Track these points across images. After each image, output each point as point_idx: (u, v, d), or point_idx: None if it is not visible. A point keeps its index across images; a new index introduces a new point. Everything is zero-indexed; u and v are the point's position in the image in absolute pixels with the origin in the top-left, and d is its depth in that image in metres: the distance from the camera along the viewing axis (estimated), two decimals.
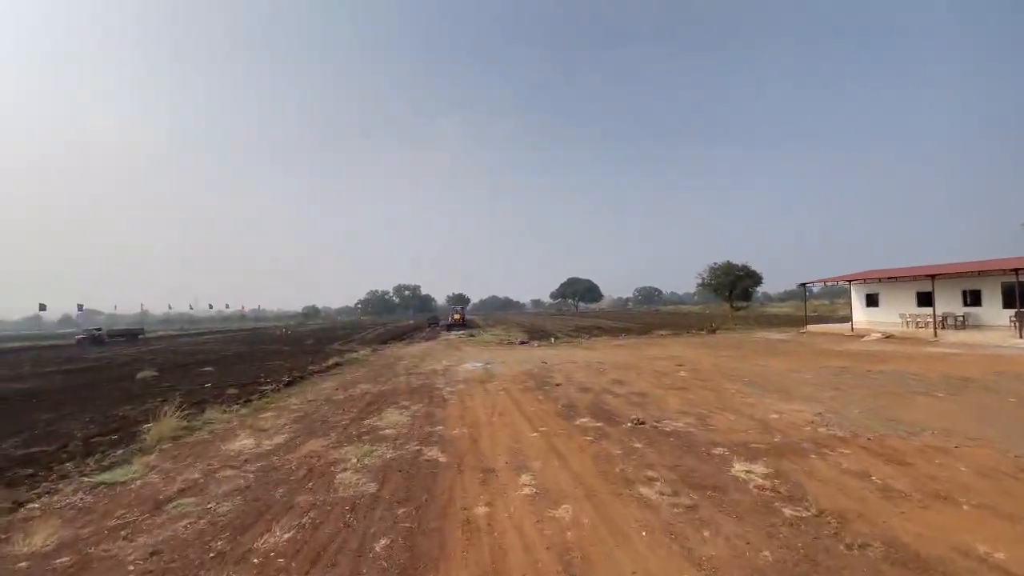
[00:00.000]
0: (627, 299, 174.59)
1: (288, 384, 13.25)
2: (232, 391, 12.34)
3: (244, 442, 7.31)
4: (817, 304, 67.94)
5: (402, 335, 38.08)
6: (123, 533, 4.32)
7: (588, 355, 17.86)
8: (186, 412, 9.63)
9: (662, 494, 4.80)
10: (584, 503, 4.68)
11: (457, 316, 44.69)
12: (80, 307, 68.30)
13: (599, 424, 7.65)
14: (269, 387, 12.66)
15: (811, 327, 26.18)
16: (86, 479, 5.83)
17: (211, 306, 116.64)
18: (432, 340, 30.07)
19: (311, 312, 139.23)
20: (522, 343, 24.50)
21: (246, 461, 6.38)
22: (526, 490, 5.04)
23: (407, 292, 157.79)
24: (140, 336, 44.05)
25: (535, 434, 7.22)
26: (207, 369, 18.02)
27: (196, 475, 5.88)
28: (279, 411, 9.68)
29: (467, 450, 6.54)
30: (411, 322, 76.78)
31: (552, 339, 25.83)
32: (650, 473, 5.38)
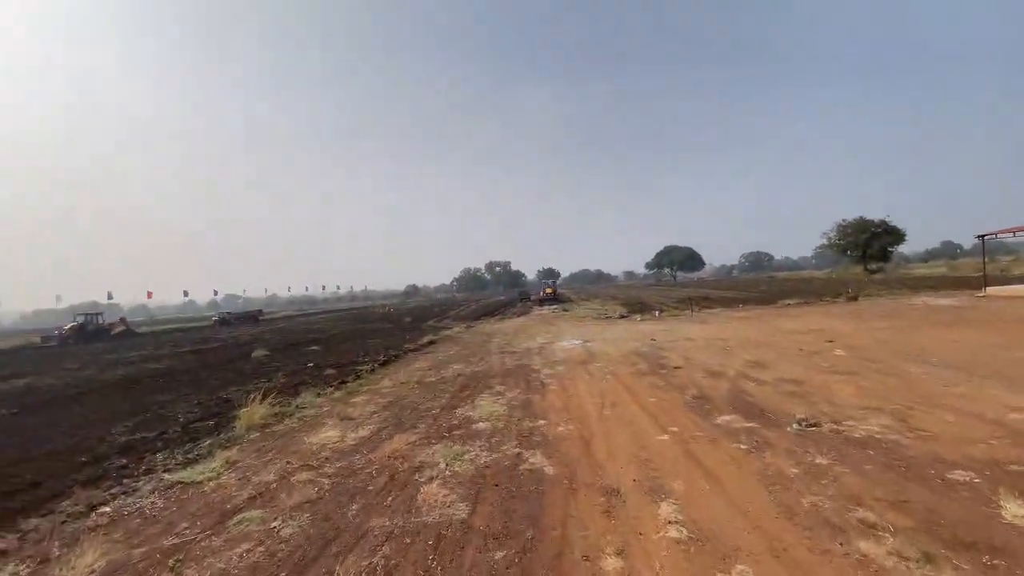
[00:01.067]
0: (732, 267, 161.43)
1: (383, 363, 12.88)
2: (330, 371, 12.19)
3: (329, 434, 6.62)
4: (973, 263, 56.28)
5: (494, 311, 37.77)
6: (172, 562, 3.57)
7: (705, 330, 15.57)
8: (282, 396, 9.42)
9: (904, 559, 3.03)
10: (772, 565, 3.07)
11: (549, 290, 43.43)
12: (215, 292, 77.87)
13: (750, 424, 5.84)
14: (365, 367, 12.34)
15: (992, 289, 20.97)
16: (167, 476, 5.39)
17: (324, 287, 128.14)
18: (524, 315, 29.15)
19: (411, 291, 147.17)
20: (622, 317, 22.56)
21: (326, 460, 5.60)
22: (672, 531, 3.54)
23: (498, 268, 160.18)
24: (260, 317, 48.55)
25: (664, 437, 5.64)
26: (313, 348, 18.61)
27: (271, 477, 5.17)
28: (370, 395, 9.07)
29: (578, 457, 5.16)
30: (502, 298, 77.25)
31: (656, 312, 23.53)
32: (864, 514, 3.58)
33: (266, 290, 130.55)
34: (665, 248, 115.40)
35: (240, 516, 4.24)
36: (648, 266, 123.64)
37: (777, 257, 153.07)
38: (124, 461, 6.13)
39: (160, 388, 11.67)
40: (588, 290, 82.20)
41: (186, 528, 4.12)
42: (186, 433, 7.32)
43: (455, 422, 6.78)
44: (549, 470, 4.85)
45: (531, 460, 5.13)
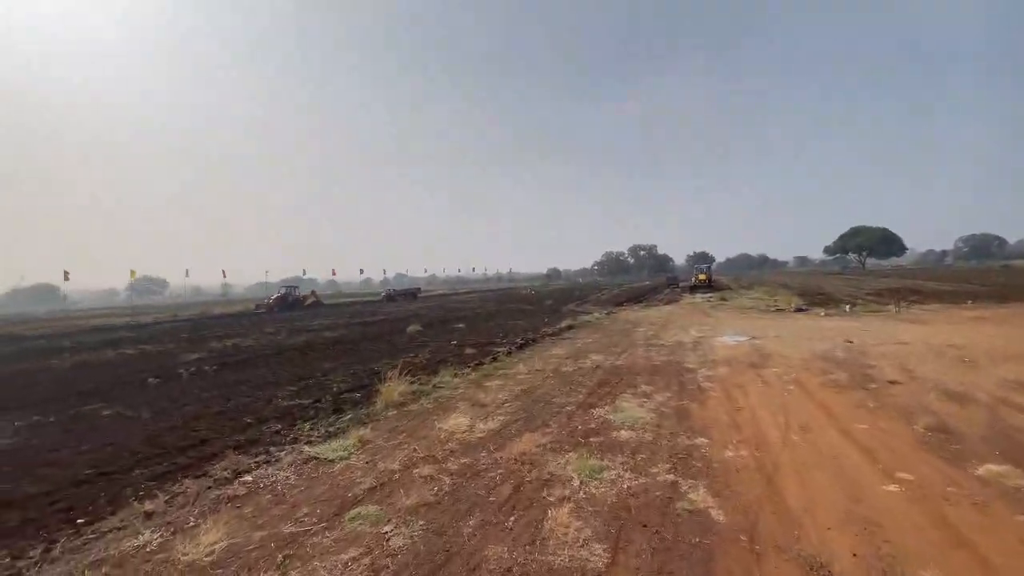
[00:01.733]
0: (943, 252, 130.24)
1: (520, 347, 12.49)
2: (470, 351, 12.20)
3: (459, 421, 6.22)
4: None
5: (638, 297, 35.57)
6: (281, 557, 3.32)
7: (923, 333, 12.05)
8: (422, 373, 9.51)
9: None
10: None
11: (702, 276, 39.44)
12: (383, 272, 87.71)
13: None
14: (502, 349, 12.07)
15: None
16: (307, 449, 5.47)
17: (473, 269, 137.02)
18: (673, 303, 26.67)
19: (553, 274, 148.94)
20: (799, 311, 19.00)
21: (451, 453, 5.14)
22: None
23: (642, 252, 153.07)
24: (418, 295, 53.29)
25: (892, 487, 3.95)
26: (459, 326, 19.29)
27: (395, 466, 4.87)
28: (504, 380, 8.62)
29: (759, 500, 3.83)
30: (647, 283, 73.23)
31: (846, 307, 19.35)
32: None
33: (425, 270, 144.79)
34: (851, 230, 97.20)
35: (356, 511, 3.91)
36: (828, 251, 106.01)
37: (1011, 241, 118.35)
38: (279, 427, 6.51)
39: (327, 356, 12.91)
40: (749, 277, 73.36)
41: (306, 515, 3.92)
42: (336, 403, 7.66)
43: (592, 425, 5.84)
44: (718, 515, 3.63)
45: (691, 495, 3.95)
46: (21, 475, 5.10)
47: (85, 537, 3.72)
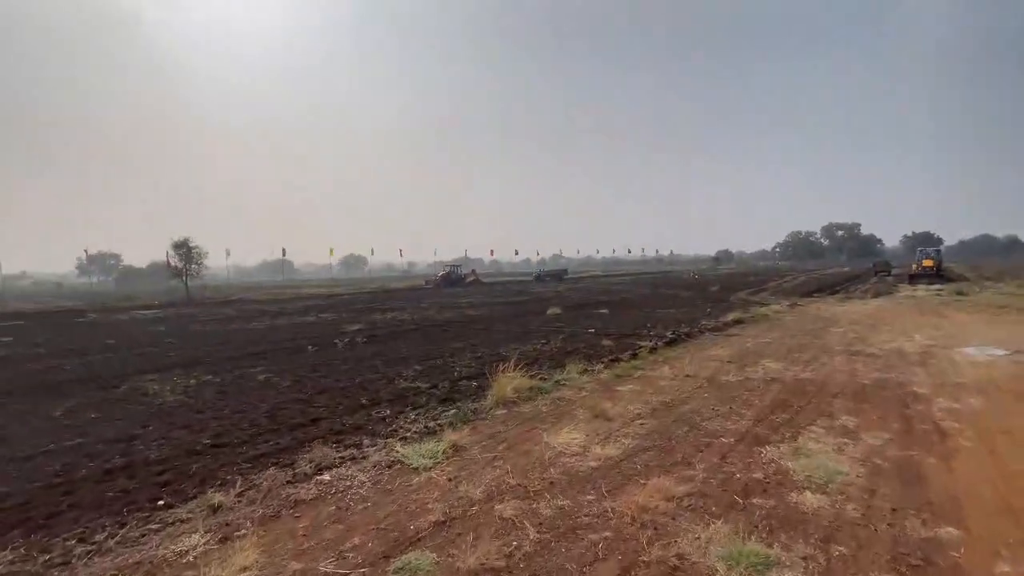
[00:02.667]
0: None
1: (669, 343, 10.59)
2: (607, 342, 10.77)
3: (572, 436, 5.02)
4: None
5: (833, 286, 29.25)
6: None
7: None
8: (549, 363, 8.50)
9: None
10: None
11: (928, 262, 30.69)
12: (537, 253, 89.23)
13: None
14: (646, 344, 10.35)
15: None
16: (398, 448, 4.85)
17: (629, 251, 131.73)
18: (884, 297, 20.98)
19: (724, 256, 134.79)
20: None
21: (549, 486, 3.96)
22: None
23: (840, 232, 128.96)
24: (565, 276, 53.35)
25: None
26: (602, 311, 17.85)
27: (478, 493, 3.89)
28: (641, 385, 7.09)
29: None
30: (845, 269, 60.94)
31: None
32: None
33: (578, 251, 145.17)
34: None
35: (408, 557, 3.01)
36: None
37: None
38: (387, 412, 6.13)
39: (461, 334, 12.77)
40: (991, 266, 55.62)
41: (354, 548, 3.17)
42: (451, 390, 7.12)
43: (758, 475, 4.06)
44: None
45: None
46: (156, 437, 5.49)
47: (151, 525, 3.53)
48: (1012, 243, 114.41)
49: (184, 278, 35.80)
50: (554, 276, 51.77)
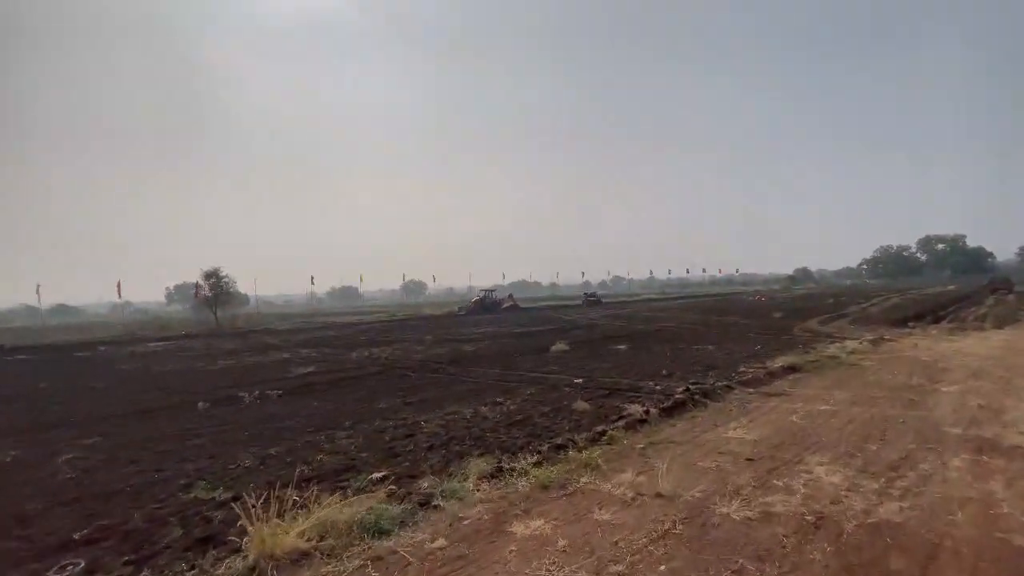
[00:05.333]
0: None
1: (670, 409, 7.10)
2: (583, 405, 7.46)
3: None
4: None
5: (936, 310, 23.47)
6: None
7: None
8: (448, 460, 5.51)
9: None
10: None
11: None
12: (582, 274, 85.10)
13: None
14: (636, 409, 6.94)
15: None
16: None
17: (704, 270, 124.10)
18: (1011, 326, 15.69)
19: (801, 275, 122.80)
20: None
21: None
22: None
23: (940, 246, 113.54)
24: (601, 301, 50.42)
25: None
26: (620, 347, 14.35)
27: None
28: (563, 524, 3.88)
29: None
30: (950, 288, 51.84)
31: None
32: None
33: (651, 272, 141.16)
34: None
35: None
36: None
37: None
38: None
39: (417, 385, 9.94)
40: None
41: None
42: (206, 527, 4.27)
43: None
44: None
45: None
46: None
47: None
48: None
49: (214, 308, 36.13)
50: (595, 301, 48.43)
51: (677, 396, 7.65)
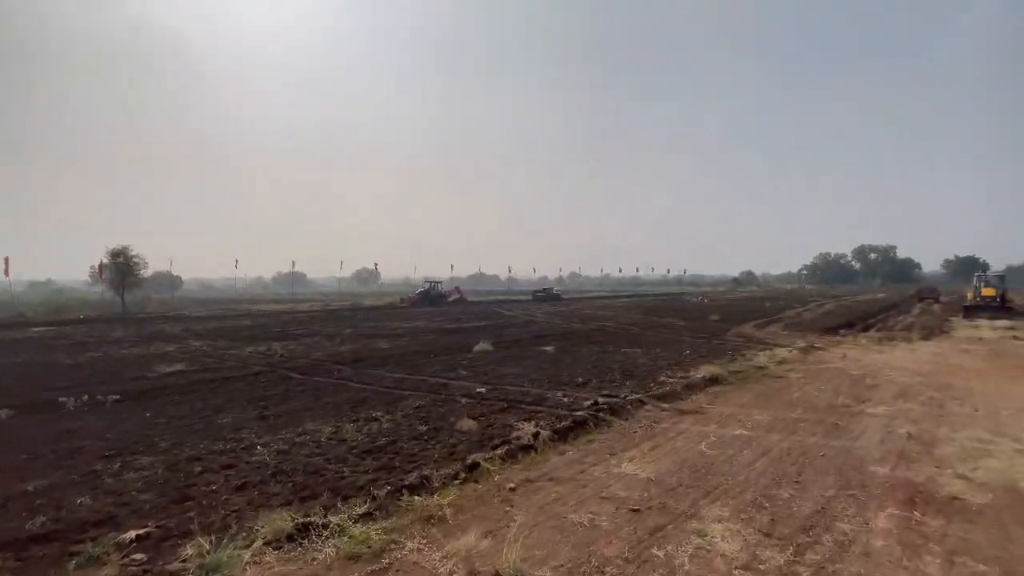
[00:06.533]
0: None
1: (565, 431, 5.98)
2: (468, 424, 6.24)
3: None
4: None
5: (866, 317, 23.92)
6: None
7: None
8: (241, 513, 4.12)
9: None
10: None
11: (988, 291, 25.01)
12: (545, 270, 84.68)
13: None
14: (529, 429, 5.80)
15: None
16: None
17: (653, 269, 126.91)
18: (938, 337, 15.78)
19: (746, 278, 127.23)
20: None
21: None
22: None
23: (873, 255, 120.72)
24: (561, 297, 48.68)
25: None
26: (546, 349, 13.27)
27: None
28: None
29: None
30: (880, 295, 54.51)
31: None
32: None
33: (602, 270, 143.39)
34: None
35: None
36: None
37: None
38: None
39: (289, 392, 8.41)
40: None
41: None
42: None
43: None
44: None
45: None
46: None
47: None
48: None
49: (121, 290, 32.50)
50: (551, 297, 47.22)
51: (578, 414, 6.56)
